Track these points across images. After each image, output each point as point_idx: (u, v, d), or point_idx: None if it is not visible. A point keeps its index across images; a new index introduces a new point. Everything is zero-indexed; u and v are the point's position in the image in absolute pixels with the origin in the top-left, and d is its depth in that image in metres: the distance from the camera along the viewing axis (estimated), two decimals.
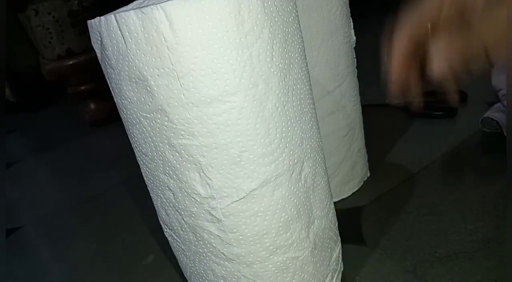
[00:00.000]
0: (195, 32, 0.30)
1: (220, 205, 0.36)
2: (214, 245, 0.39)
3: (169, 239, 0.45)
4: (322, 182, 0.43)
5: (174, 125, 0.34)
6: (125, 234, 0.69)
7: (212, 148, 0.34)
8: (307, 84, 0.39)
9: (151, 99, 0.34)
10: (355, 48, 0.61)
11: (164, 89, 0.32)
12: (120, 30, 0.32)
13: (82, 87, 1.16)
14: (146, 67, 0.32)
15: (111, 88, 0.38)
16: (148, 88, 0.33)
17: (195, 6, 0.30)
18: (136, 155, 0.40)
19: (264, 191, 0.36)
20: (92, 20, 0.34)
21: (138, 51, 0.32)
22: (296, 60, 0.37)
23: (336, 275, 0.47)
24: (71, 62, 1.12)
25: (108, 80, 0.37)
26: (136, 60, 0.32)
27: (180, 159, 0.35)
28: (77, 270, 0.65)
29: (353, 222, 0.59)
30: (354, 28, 0.59)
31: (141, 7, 0.31)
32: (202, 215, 0.38)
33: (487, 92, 0.80)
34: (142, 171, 0.41)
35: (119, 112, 0.38)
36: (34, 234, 0.78)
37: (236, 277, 0.40)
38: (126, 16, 0.31)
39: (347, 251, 0.54)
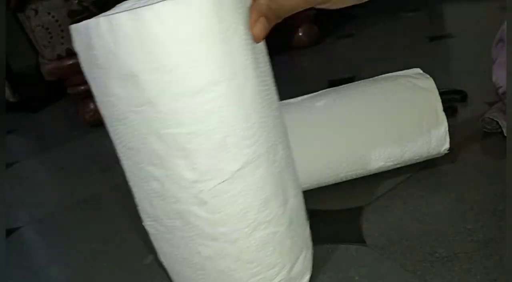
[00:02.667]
0: (183, 30, 0.34)
1: (207, 187, 0.40)
2: (200, 227, 0.42)
3: (151, 231, 0.47)
4: (292, 164, 0.47)
5: (163, 116, 0.37)
6: (125, 234, 0.69)
7: (198, 135, 0.38)
8: (271, 78, 0.44)
9: (140, 93, 0.37)
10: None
11: (154, 83, 0.36)
12: (111, 31, 0.35)
13: (82, 87, 1.16)
14: (135, 64, 0.35)
15: (93, 89, 0.41)
16: (138, 83, 0.36)
17: (183, 7, 0.34)
18: (119, 151, 0.43)
19: (247, 171, 0.40)
20: (78, 23, 0.37)
21: (128, 49, 0.35)
22: (262, 54, 0.42)
23: (309, 251, 0.51)
24: (71, 62, 1.12)
25: (91, 81, 0.40)
26: (126, 58, 0.36)
27: (167, 148, 0.39)
28: (77, 270, 0.65)
29: (353, 222, 0.59)
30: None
31: (132, 9, 0.34)
32: (190, 199, 0.41)
33: (487, 92, 0.80)
34: (124, 166, 0.44)
35: (101, 111, 0.41)
36: (34, 234, 0.78)
37: (221, 255, 0.44)
38: (118, 17, 0.34)
39: (347, 251, 0.54)
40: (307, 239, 0.51)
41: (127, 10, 0.35)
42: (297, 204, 0.47)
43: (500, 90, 0.69)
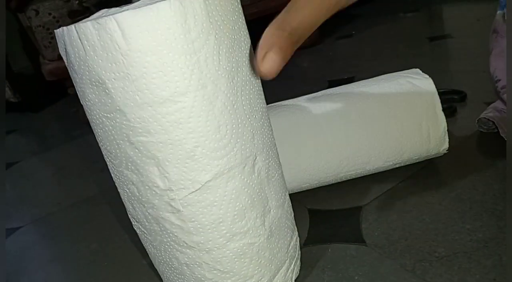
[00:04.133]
0: (146, 40, 0.34)
1: (178, 196, 0.40)
2: (175, 234, 0.42)
3: (138, 232, 0.48)
4: (276, 175, 0.46)
5: (132, 124, 0.37)
6: (125, 234, 0.69)
7: (167, 144, 0.38)
8: (257, 86, 0.43)
9: (110, 100, 0.37)
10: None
11: (121, 91, 0.36)
12: (80, 39, 0.36)
13: None
14: (103, 72, 0.36)
15: (77, 92, 0.41)
16: (107, 91, 0.37)
17: (144, 16, 0.34)
18: (103, 153, 0.43)
19: (218, 182, 0.40)
20: (57, 29, 0.38)
21: (95, 57, 0.36)
22: (244, 63, 0.40)
23: (294, 262, 0.50)
24: None
25: (74, 85, 0.41)
26: (95, 66, 0.36)
27: (140, 154, 0.39)
28: (77, 270, 0.65)
29: (352, 222, 0.59)
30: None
31: (97, 18, 0.35)
32: (163, 206, 0.41)
33: (486, 93, 0.80)
34: (109, 168, 0.44)
35: (86, 114, 0.42)
36: (34, 233, 0.79)
37: (197, 263, 0.44)
38: (84, 26, 0.35)
39: (347, 251, 0.54)
40: (293, 249, 0.50)
41: (93, 19, 0.35)
42: (280, 215, 0.46)
43: (500, 84, 0.67)
